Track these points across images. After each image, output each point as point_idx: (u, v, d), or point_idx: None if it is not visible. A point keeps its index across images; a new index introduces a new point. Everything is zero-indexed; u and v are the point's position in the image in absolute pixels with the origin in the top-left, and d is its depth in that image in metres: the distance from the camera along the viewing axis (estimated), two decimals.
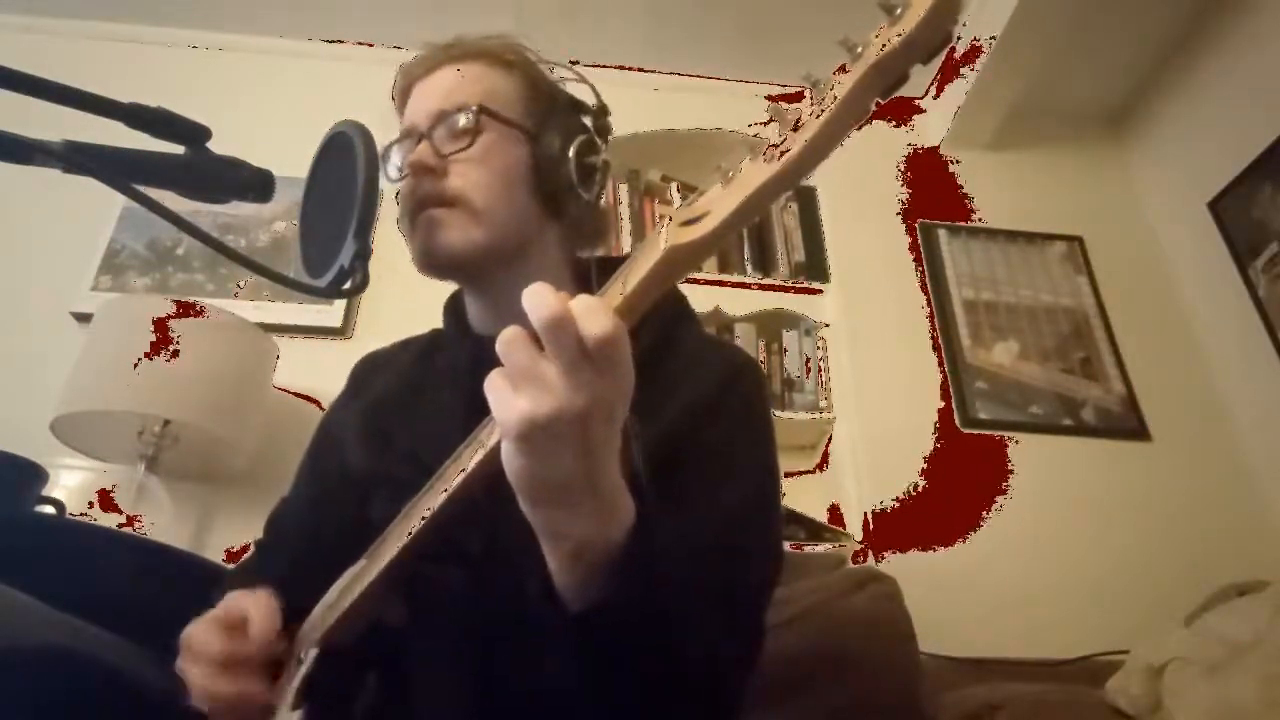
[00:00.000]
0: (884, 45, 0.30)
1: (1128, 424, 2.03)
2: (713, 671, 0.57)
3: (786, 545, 1.51)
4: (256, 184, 0.63)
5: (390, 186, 0.81)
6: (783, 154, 0.33)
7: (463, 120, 0.76)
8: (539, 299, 0.40)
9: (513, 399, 0.41)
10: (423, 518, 0.53)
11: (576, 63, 0.85)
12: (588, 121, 0.82)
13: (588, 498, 0.44)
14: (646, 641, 0.50)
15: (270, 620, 0.63)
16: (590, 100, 0.84)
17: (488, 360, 0.43)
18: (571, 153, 0.77)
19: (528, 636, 0.65)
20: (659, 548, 0.50)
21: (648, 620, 0.49)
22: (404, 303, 1.35)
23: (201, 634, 0.63)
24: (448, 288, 0.89)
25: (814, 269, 2.19)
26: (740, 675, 0.62)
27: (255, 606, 0.64)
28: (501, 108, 0.78)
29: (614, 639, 0.49)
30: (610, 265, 0.48)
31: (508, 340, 0.41)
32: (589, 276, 0.80)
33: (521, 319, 0.41)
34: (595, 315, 0.40)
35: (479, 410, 0.44)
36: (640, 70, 2.39)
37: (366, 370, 0.94)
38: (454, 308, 0.88)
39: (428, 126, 0.77)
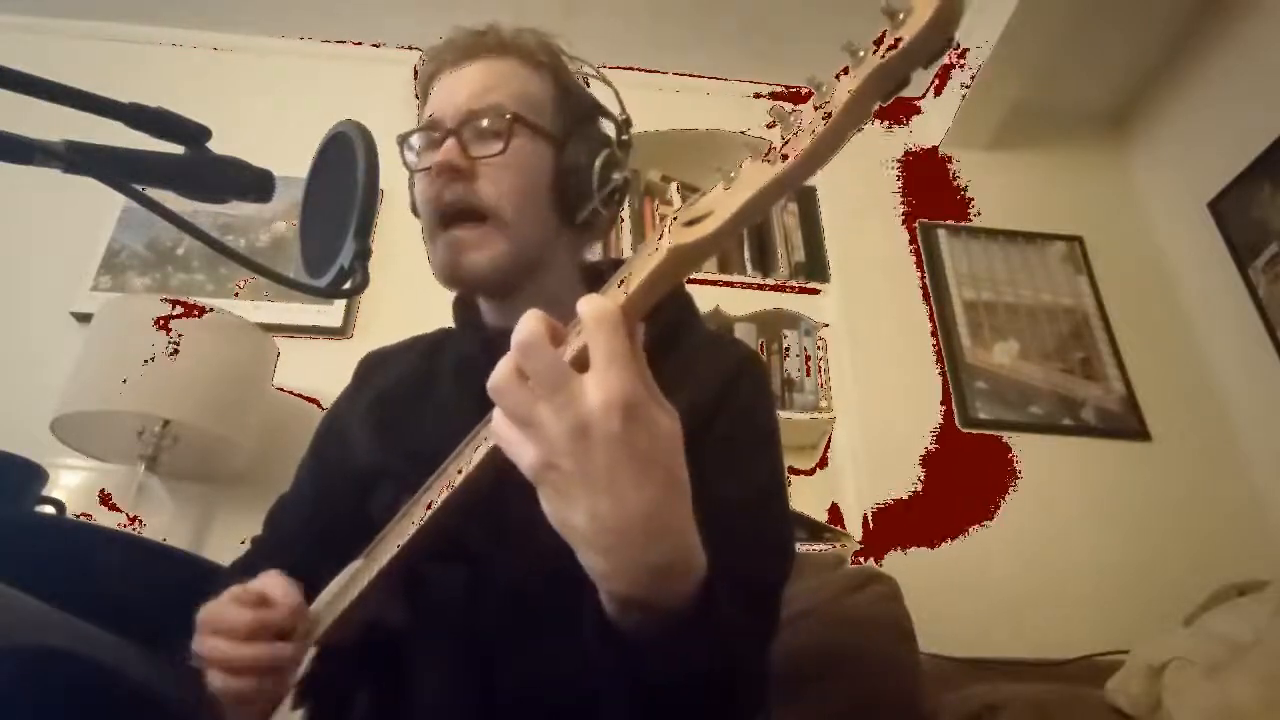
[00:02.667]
0: (886, 50, 0.30)
1: (1128, 424, 2.03)
2: (760, 688, 0.58)
3: None
4: (256, 184, 0.63)
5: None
6: (784, 156, 0.33)
7: (494, 123, 0.75)
8: (544, 363, 0.39)
9: (522, 445, 0.40)
10: (423, 515, 0.53)
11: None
12: (611, 131, 0.81)
13: (630, 549, 0.41)
14: (709, 699, 0.50)
15: (292, 592, 0.63)
16: (615, 107, 0.83)
17: (498, 352, 0.42)
18: (596, 166, 0.76)
19: (529, 636, 0.65)
20: (726, 613, 0.46)
21: (712, 682, 0.48)
22: (404, 303, 1.35)
23: (224, 606, 0.63)
24: (448, 290, 0.89)
25: (814, 269, 2.19)
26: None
27: (271, 586, 0.64)
28: (533, 113, 0.77)
29: (676, 696, 0.48)
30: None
31: (500, 389, 0.41)
32: (597, 280, 0.79)
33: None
34: (606, 383, 0.38)
35: (487, 403, 0.43)
36: (640, 70, 2.39)
37: (373, 365, 0.93)
38: (463, 302, 0.87)
39: (456, 124, 0.76)
